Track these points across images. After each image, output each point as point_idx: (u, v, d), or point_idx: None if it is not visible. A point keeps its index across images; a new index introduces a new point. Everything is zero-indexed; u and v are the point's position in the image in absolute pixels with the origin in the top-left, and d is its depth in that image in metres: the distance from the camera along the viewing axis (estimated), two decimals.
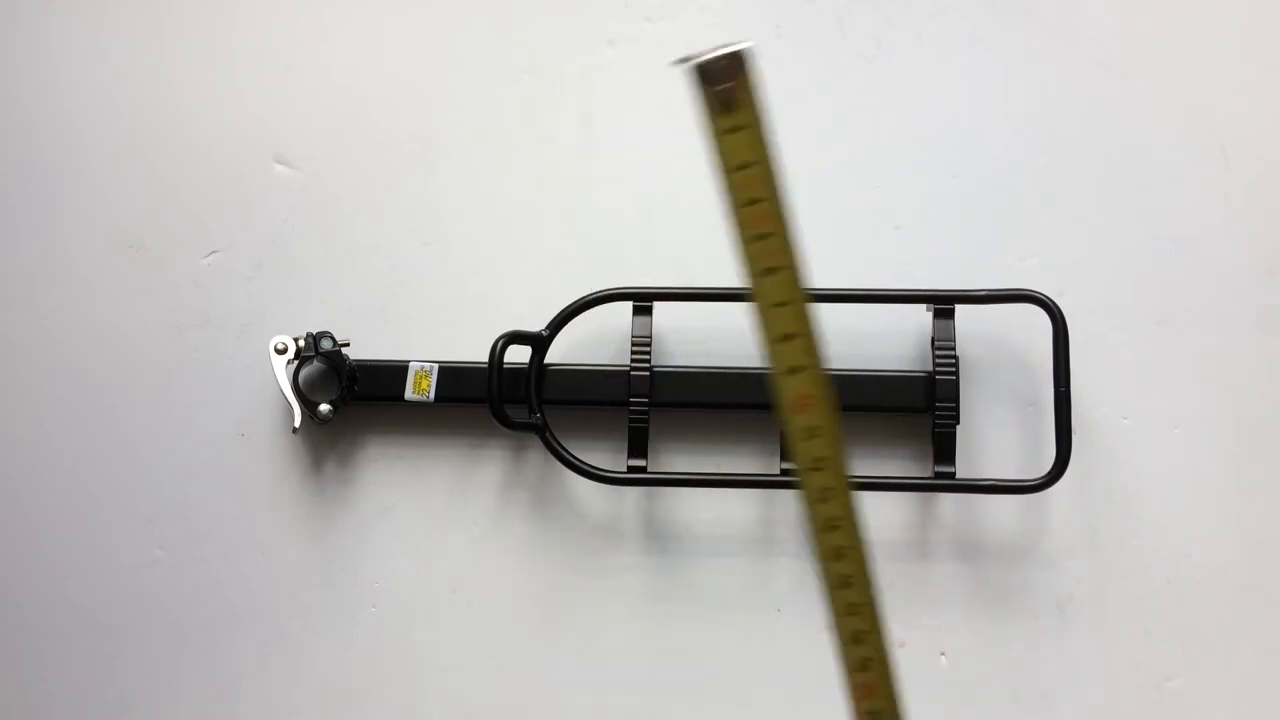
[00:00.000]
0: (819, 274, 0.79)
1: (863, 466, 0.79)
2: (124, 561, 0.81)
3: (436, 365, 0.78)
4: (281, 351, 0.77)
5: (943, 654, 0.78)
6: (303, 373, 0.77)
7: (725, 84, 0.40)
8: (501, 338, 0.75)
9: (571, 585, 0.79)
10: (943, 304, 0.75)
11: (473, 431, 0.80)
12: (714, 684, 0.78)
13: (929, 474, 0.76)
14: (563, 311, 0.76)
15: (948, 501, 0.79)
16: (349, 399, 0.78)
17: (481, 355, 0.75)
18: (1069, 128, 0.81)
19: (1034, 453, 0.78)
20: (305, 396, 0.77)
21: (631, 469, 0.75)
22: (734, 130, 0.40)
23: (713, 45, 0.40)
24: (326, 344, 0.77)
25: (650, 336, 0.76)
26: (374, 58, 0.84)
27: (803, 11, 0.83)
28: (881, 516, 0.79)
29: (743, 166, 0.41)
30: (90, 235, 0.84)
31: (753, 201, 0.41)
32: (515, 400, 0.76)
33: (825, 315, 0.77)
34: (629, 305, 0.77)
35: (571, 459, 0.75)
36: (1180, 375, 0.78)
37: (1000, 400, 0.79)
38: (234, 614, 0.81)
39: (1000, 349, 0.79)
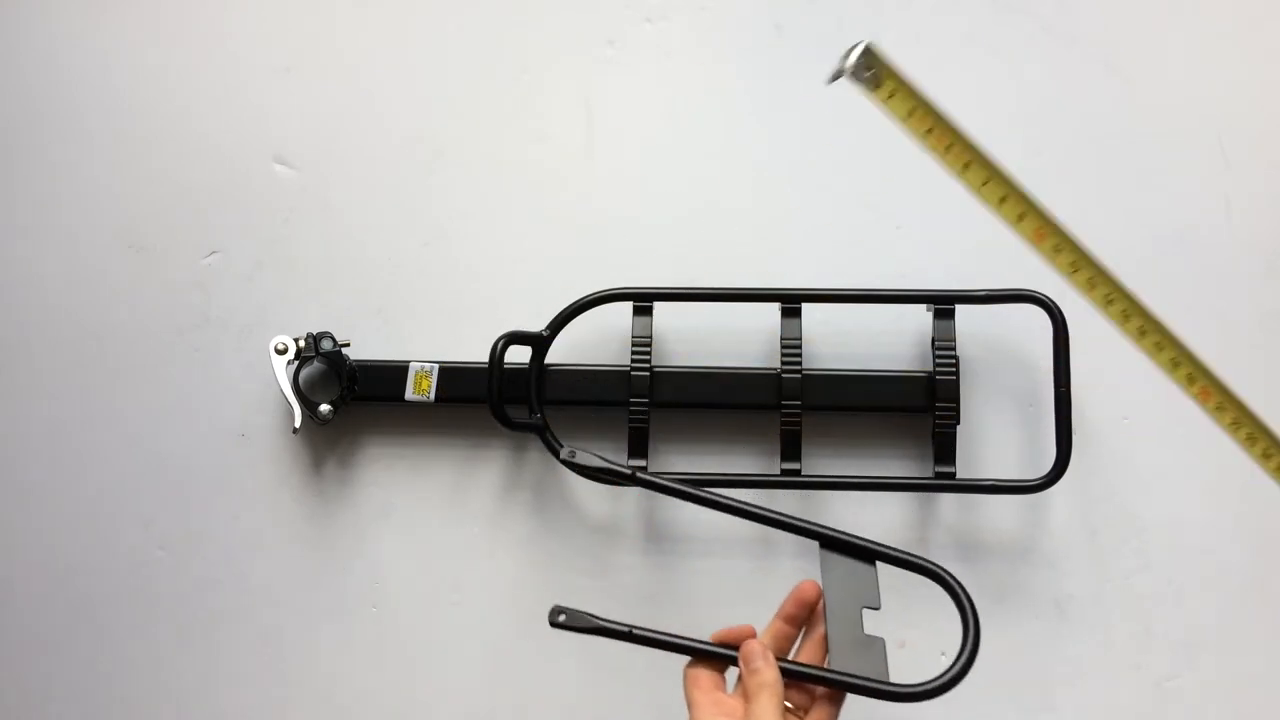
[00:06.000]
0: (820, 274, 0.80)
1: (863, 466, 0.79)
2: (124, 561, 0.81)
3: (436, 365, 0.78)
4: (281, 352, 0.77)
5: (943, 654, 0.78)
6: (303, 373, 0.77)
7: (869, 71, 0.59)
8: (502, 338, 0.75)
9: (571, 585, 0.79)
10: (943, 304, 0.75)
11: (473, 431, 0.80)
12: None
13: (929, 474, 0.76)
14: (563, 311, 0.76)
15: (948, 501, 0.79)
16: (349, 399, 0.78)
17: (481, 355, 0.75)
18: (1069, 127, 0.81)
19: (1034, 453, 0.78)
20: (305, 396, 0.77)
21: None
22: (890, 95, 0.60)
23: (842, 51, 0.59)
24: (326, 344, 0.77)
25: (650, 336, 0.76)
26: (374, 58, 0.84)
27: (803, 11, 0.83)
28: (882, 516, 0.79)
29: (909, 113, 0.60)
30: (91, 235, 0.84)
31: (928, 131, 0.61)
32: (515, 400, 0.76)
33: (826, 315, 0.79)
34: (629, 305, 0.77)
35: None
36: None
37: (1000, 400, 0.79)
38: (234, 614, 0.81)
39: (1000, 349, 0.79)
